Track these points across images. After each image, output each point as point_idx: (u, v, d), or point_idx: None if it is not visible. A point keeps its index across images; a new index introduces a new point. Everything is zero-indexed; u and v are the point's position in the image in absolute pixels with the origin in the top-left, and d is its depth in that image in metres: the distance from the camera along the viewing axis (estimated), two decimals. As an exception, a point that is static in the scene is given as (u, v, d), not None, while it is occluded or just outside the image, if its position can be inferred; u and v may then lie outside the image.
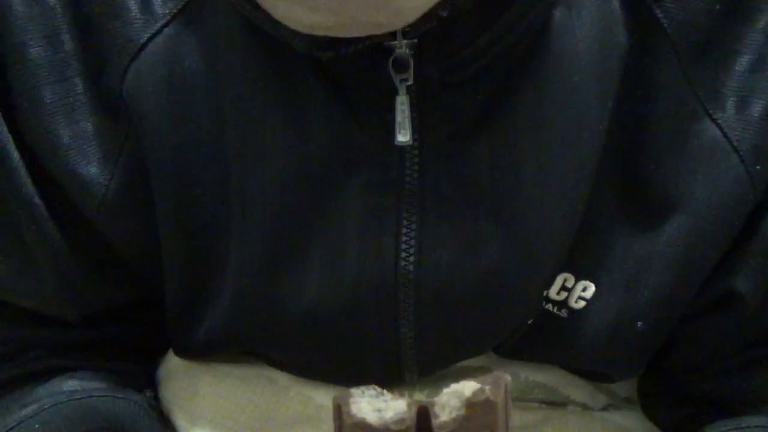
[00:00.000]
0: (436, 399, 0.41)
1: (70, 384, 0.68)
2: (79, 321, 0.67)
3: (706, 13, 0.60)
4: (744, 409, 0.68)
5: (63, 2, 0.60)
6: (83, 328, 0.68)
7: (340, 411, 0.42)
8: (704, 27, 0.60)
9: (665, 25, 0.59)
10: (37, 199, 0.61)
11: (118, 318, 0.69)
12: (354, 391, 0.43)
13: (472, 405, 0.40)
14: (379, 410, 0.42)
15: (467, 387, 0.41)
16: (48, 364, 0.69)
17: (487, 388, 0.40)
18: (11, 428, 0.64)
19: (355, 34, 0.52)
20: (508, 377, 0.41)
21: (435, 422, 0.41)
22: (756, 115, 0.60)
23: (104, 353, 0.70)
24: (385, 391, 0.43)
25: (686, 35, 0.60)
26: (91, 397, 0.67)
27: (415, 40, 0.55)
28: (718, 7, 0.60)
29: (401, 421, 0.41)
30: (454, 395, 0.41)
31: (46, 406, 0.65)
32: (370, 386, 0.43)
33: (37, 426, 0.64)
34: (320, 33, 0.51)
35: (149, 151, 0.61)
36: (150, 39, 0.60)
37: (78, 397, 0.66)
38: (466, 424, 0.40)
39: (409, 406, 0.41)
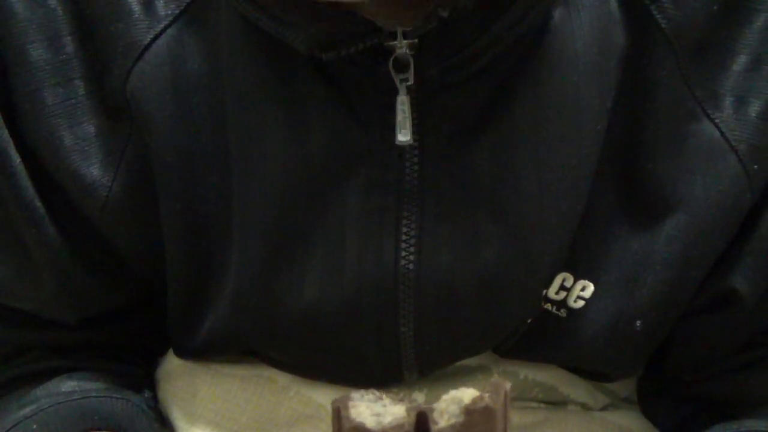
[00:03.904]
0: (434, 405, 0.40)
1: (69, 384, 0.67)
2: (77, 324, 0.66)
3: (703, 13, 0.59)
4: (743, 411, 0.67)
5: (64, 4, 0.59)
6: (82, 329, 0.67)
7: (339, 415, 0.41)
8: (702, 27, 0.59)
9: (663, 25, 0.59)
10: (37, 202, 0.60)
11: (117, 320, 0.68)
12: (353, 395, 0.42)
13: (470, 412, 0.39)
14: (377, 415, 0.41)
15: (466, 394, 0.40)
16: (47, 365, 0.68)
17: (486, 395, 0.39)
18: (9, 429, 0.64)
19: None
20: (508, 384, 0.40)
21: (433, 428, 0.40)
22: (753, 114, 0.59)
23: (103, 354, 0.69)
24: (384, 396, 0.42)
25: (684, 35, 0.59)
26: (89, 397, 0.66)
27: (416, 41, 0.54)
28: (715, 7, 0.59)
29: (400, 426, 0.40)
30: (453, 401, 0.40)
31: (44, 407, 0.65)
32: (370, 390, 0.42)
33: (34, 426, 0.63)
34: None
35: (153, 152, 0.60)
36: (153, 40, 0.59)
37: (76, 397, 0.66)
38: (464, 431, 0.39)
39: (407, 411, 0.40)
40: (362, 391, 0.42)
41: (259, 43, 0.57)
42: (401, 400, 0.41)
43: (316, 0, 0.51)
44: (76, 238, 0.62)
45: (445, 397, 0.40)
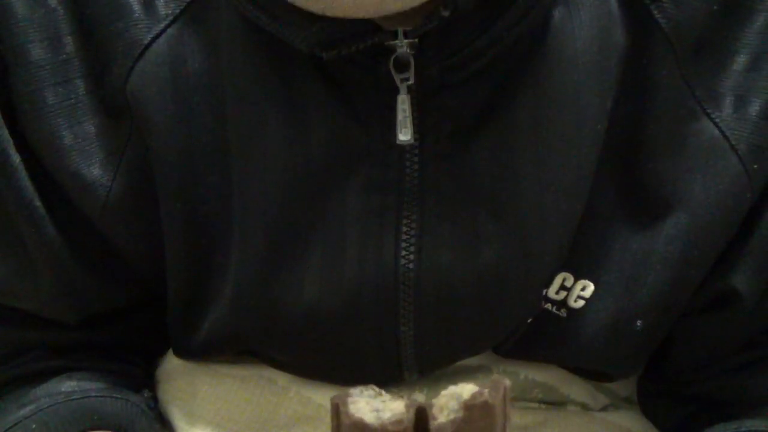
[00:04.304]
0: (434, 401, 0.40)
1: (68, 384, 0.67)
2: (77, 323, 0.66)
3: (703, 12, 0.59)
4: (743, 411, 0.67)
5: (65, 4, 0.59)
6: (82, 329, 0.67)
7: (338, 411, 0.41)
8: (701, 27, 0.59)
9: (663, 24, 0.58)
10: (37, 202, 0.60)
11: (117, 320, 0.68)
12: (352, 391, 0.42)
13: (469, 407, 0.39)
14: (377, 410, 0.40)
15: (466, 389, 0.39)
16: (46, 365, 0.68)
17: (485, 391, 0.39)
18: (9, 428, 0.63)
19: (341, 14, 0.51)
20: (507, 381, 0.40)
21: (432, 424, 0.39)
22: (753, 114, 0.59)
23: (103, 354, 0.69)
24: (383, 392, 0.42)
25: (684, 35, 0.59)
26: (89, 397, 0.66)
27: (416, 40, 0.54)
28: (715, 7, 0.59)
29: (399, 422, 0.39)
30: (452, 397, 0.39)
31: (43, 407, 0.64)
32: (369, 386, 0.42)
33: (34, 426, 0.63)
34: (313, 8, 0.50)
35: (154, 151, 0.60)
36: (153, 39, 0.59)
37: (75, 397, 0.65)
38: (463, 427, 0.39)
39: (407, 407, 0.40)
40: (361, 387, 0.41)
41: (259, 42, 0.57)
42: (401, 397, 0.41)
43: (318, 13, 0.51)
44: (76, 238, 0.62)
45: (444, 392, 0.40)
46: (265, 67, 0.57)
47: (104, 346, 0.69)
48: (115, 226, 0.62)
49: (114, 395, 0.66)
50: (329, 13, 0.51)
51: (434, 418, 0.39)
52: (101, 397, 0.66)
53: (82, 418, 0.64)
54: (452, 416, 0.39)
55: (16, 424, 0.63)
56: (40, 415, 0.64)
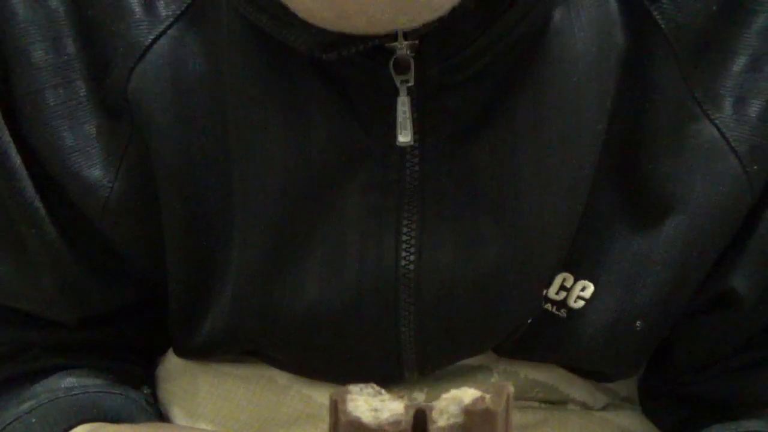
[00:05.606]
0: (434, 403, 0.39)
1: (68, 381, 0.67)
2: (77, 323, 0.66)
3: (703, 14, 0.58)
4: (743, 412, 0.67)
5: (66, 5, 0.59)
6: (82, 329, 0.66)
7: (336, 407, 0.40)
8: (701, 28, 0.59)
9: (662, 26, 0.58)
10: (37, 203, 0.60)
11: (117, 320, 0.68)
12: (352, 388, 0.41)
13: (470, 413, 0.38)
14: (375, 410, 0.39)
15: (467, 394, 0.38)
16: (46, 363, 0.67)
17: (487, 397, 0.38)
18: (9, 423, 0.63)
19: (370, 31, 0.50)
20: (511, 388, 0.39)
21: (431, 427, 0.38)
22: (753, 115, 0.59)
23: (102, 354, 0.69)
24: (383, 391, 0.41)
25: (683, 36, 0.58)
26: (88, 392, 0.65)
27: (416, 41, 0.54)
28: (715, 8, 0.58)
29: (397, 423, 0.39)
30: (453, 401, 0.38)
31: (43, 402, 0.64)
32: (369, 384, 0.41)
33: (33, 420, 0.63)
34: (332, 28, 0.49)
35: (154, 152, 0.59)
36: (154, 41, 0.59)
37: (75, 392, 0.65)
38: (463, 432, 0.38)
39: (406, 408, 0.39)
40: (361, 385, 0.40)
41: (259, 43, 0.57)
42: (401, 397, 0.40)
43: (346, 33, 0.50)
44: (76, 239, 0.62)
45: (445, 396, 0.39)
46: (265, 69, 0.57)
47: (104, 345, 0.68)
48: (116, 226, 0.61)
49: (114, 391, 0.66)
50: (345, 30, 0.50)
51: (433, 422, 0.38)
52: (101, 392, 0.66)
53: (82, 411, 0.64)
54: (452, 421, 0.38)
55: (16, 419, 0.63)
56: (40, 409, 0.64)
